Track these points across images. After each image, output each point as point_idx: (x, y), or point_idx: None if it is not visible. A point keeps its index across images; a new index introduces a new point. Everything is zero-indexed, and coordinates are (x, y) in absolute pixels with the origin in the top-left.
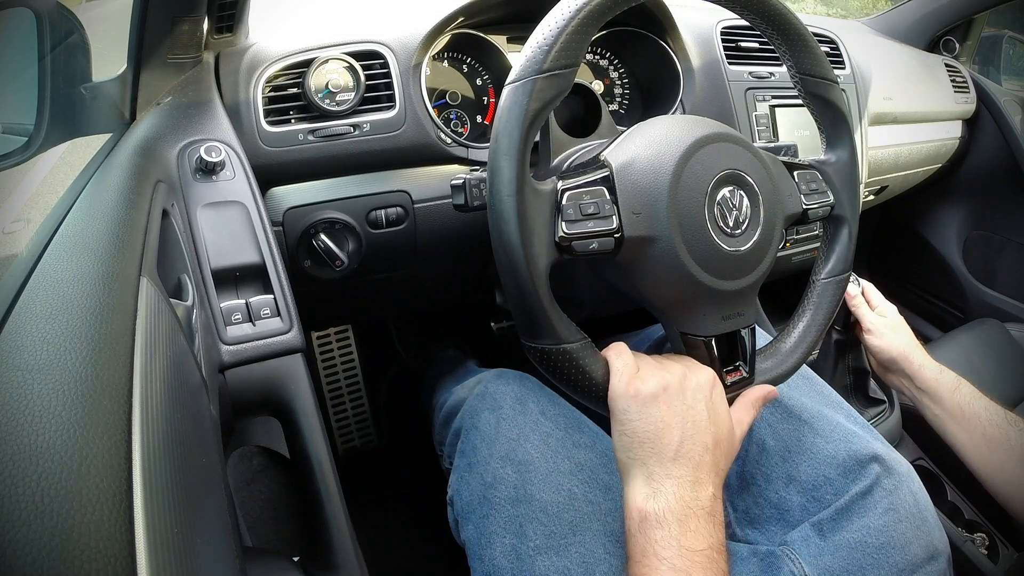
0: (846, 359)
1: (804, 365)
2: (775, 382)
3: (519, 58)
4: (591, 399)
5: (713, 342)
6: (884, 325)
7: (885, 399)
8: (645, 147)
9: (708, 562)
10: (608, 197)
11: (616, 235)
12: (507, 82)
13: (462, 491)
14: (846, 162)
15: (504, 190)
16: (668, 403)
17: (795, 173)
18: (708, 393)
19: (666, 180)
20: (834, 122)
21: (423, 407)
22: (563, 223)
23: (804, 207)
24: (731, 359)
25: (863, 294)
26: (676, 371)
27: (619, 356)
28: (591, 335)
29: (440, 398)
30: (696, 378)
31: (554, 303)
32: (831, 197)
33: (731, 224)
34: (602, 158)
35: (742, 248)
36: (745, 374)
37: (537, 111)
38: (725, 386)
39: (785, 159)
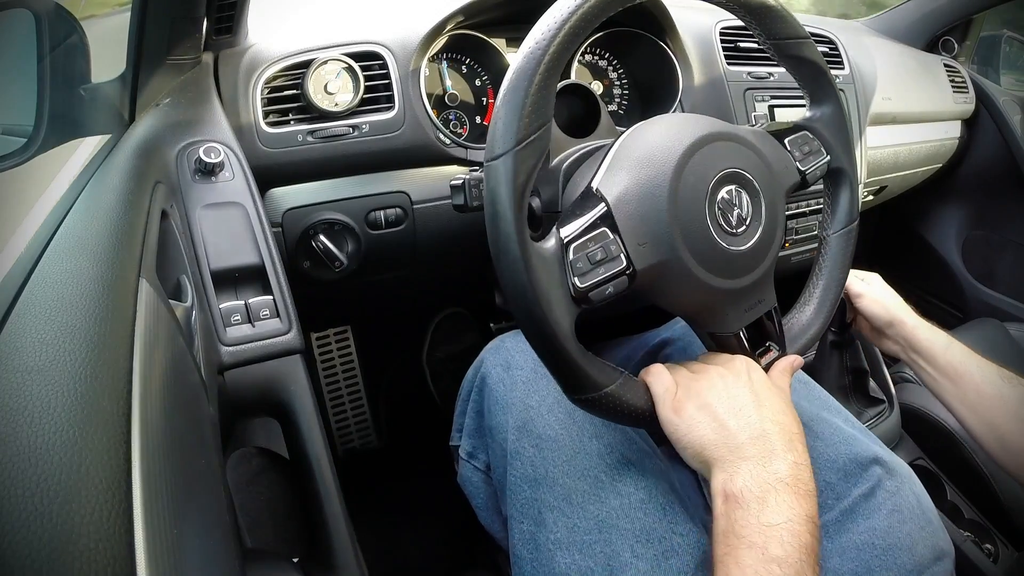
0: (843, 359)
1: (800, 371)
2: (806, 348)
3: (491, 132)
4: (642, 426)
5: (742, 333)
6: (873, 289)
7: (884, 399)
8: (635, 171)
9: (788, 535)
10: (611, 236)
11: (628, 272)
12: (486, 160)
13: (496, 460)
14: (832, 113)
15: (514, 268)
16: (713, 407)
17: (786, 141)
18: (746, 379)
19: (663, 202)
20: (813, 77)
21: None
22: (575, 278)
23: (801, 172)
24: (760, 342)
25: None
26: (711, 375)
27: (657, 380)
28: (590, 336)
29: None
30: (731, 371)
31: (586, 354)
32: (826, 154)
33: (734, 222)
34: (595, 190)
35: (750, 242)
36: (776, 352)
37: (524, 182)
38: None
39: (772, 128)
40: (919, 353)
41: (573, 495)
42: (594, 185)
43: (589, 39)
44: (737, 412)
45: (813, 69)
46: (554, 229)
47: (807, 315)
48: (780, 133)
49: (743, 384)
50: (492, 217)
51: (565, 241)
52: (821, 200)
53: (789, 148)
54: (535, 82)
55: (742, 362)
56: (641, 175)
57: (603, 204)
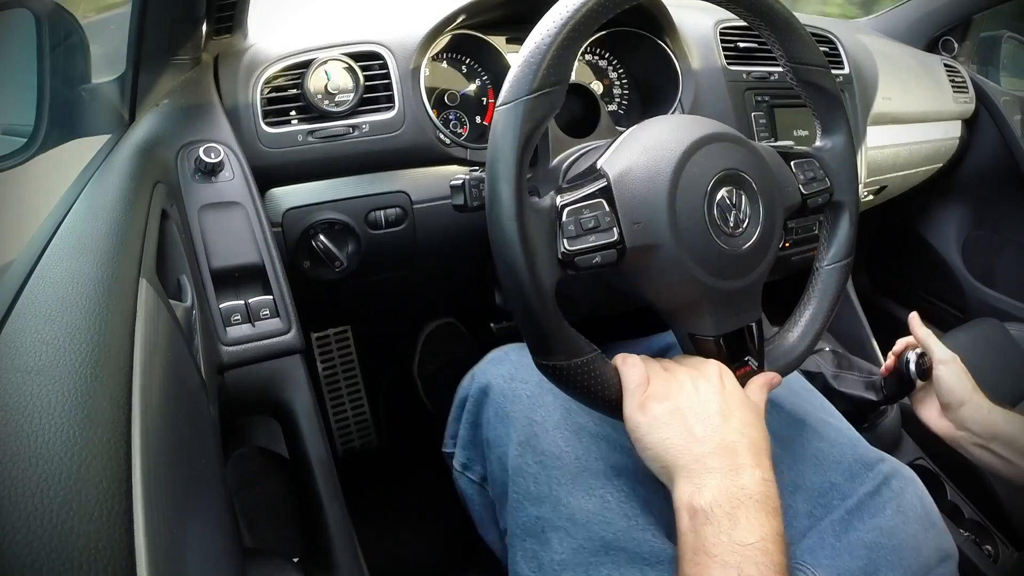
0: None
1: (802, 377)
2: (784, 372)
3: (508, 78)
4: (605, 410)
5: (722, 340)
6: (956, 360)
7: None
8: (641, 154)
9: (761, 555)
10: (607, 209)
11: (618, 247)
12: (497, 105)
13: (494, 474)
14: (842, 147)
15: (505, 214)
16: (681, 411)
17: (792, 163)
18: (719, 385)
19: (664, 187)
20: (828, 108)
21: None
22: (564, 240)
23: (803, 196)
24: (740, 354)
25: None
26: (684, 377)
27: (631, 373)
28: (593, 338)
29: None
30: (704, 375)
31: (562, 319)
32: (829, 184)
33: (731, 224)
34: (599, 167)
35: (744, 247)
36: (754, 368)
37: (530, 132)
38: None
39: (781, 149)
40: (996, 438)
41: (578, 515)
42: (598, 164)
43: (590, 39)
44: (705, 419)
45: (829, 99)
46: (551, 193)
47: (790, 340)
48: (787, 155)
49: (715, 390)
50: (492, 161)
51: (560, 205)
52: None
53: (794, 170)
54: (558, 39)
55: (716, 368)
56: (646, 158)
57: (604, 179)
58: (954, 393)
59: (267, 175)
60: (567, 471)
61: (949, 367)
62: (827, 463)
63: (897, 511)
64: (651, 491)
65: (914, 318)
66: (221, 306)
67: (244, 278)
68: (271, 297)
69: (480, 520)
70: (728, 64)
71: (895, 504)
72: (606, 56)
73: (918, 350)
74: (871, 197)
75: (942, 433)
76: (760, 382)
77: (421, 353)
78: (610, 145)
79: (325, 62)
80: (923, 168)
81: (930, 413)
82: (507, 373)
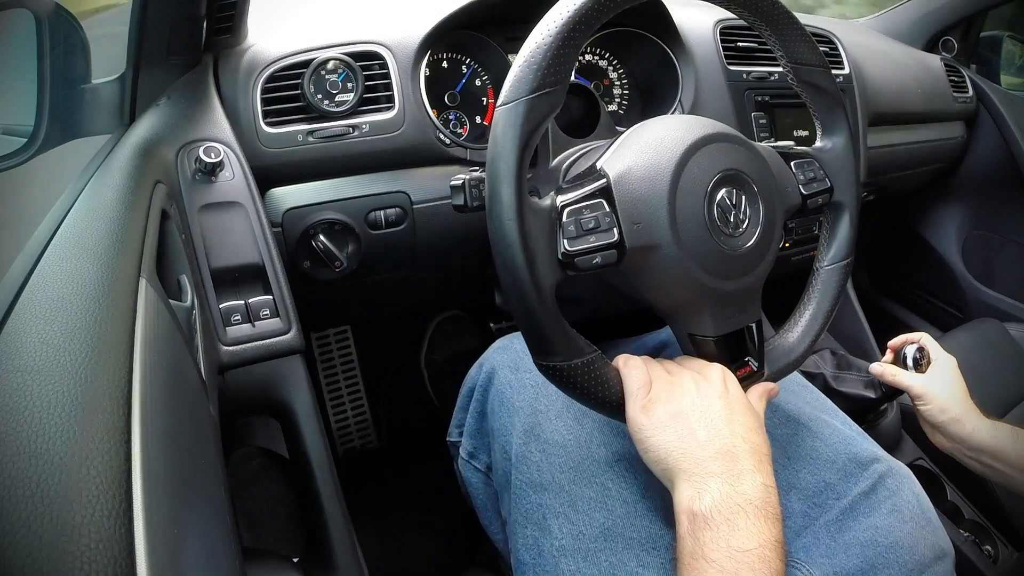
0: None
1: (798, 373)
2: (784, 372)
3: (508, 78)
4: (607, 411)
5: (722, 340)
6: (933, 390)
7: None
8: (641, 154)
9: (759, 562)
10: (607, 209)
11: (618, 247)
12: (498, 104)
13: (498, 463)
14: (842, 148)
15: (505, 214)
16: (685, 414)
17: (792, 163)
18: (722, 389)
19: (664, 188)
20: (828, 108)
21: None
22: (564, 240)
23: (803, 197)
24: (740, 354)
25: (920, 343)
26: (686, 380)
27: (633, 374)
28: (591, 337)
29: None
30: (707, 379)
31: (561, 320)
32: (830, 184)
33: (731, 224)
34: (599, 168)
35: (744, 247)
36: (754, 368)
37: (531, 131)
38: None
39: (781, 149)
40: (984, 452)
41: (579, 502)
42: (598, 164)
43: (590, 39)
44: (709, 423)
45: (829, 100)
46: (551, 194)
47: (790, 340)
48: (787, 156)
49: (718, 394)
50: (493, 161)
51: (560, 205)
52: None
53: (794, 171)
54: (559, 38)
55: (719, 371)
56: (646, 158)
57: (604, 179)
58: (934, 417)
59: (267, 175)
60: (570, 459)
61: (924, 401)
62: (821, 462)
63: (892, 510)
64: (651, 476)
65: (875, 367)
66: (221, 306)
67: (244, 278)
68: (271, 297)
69: (483, 509)
70: (728, 64)
71: (890, 503)
72: (606, 56)
73: (916, 345)
74: (871, 197)
75: (937, 444)
76: (759, 391)
77: (429, 344)
78: (610, 145)
79: (325, 62)
80: (923, 168)
81: (927, 425)
82: (511, 362)
